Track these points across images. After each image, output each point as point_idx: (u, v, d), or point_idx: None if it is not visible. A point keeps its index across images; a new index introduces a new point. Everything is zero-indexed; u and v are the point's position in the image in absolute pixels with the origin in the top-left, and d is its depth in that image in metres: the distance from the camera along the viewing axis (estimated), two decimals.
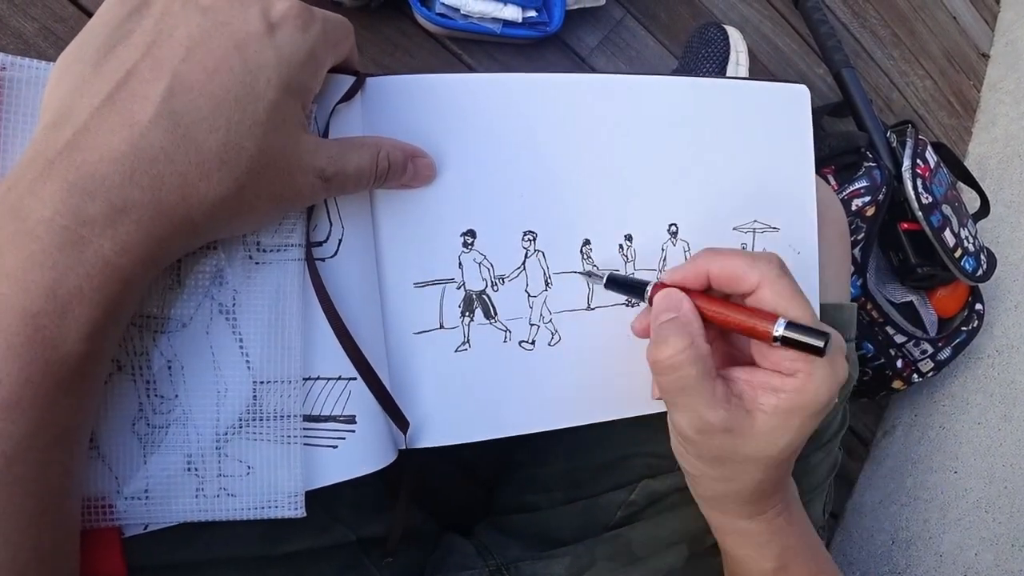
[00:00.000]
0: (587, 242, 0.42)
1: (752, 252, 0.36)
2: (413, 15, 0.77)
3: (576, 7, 0.85)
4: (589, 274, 0.42)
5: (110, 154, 0.25)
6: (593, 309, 0.42)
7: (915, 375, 1.01)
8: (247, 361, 0.33)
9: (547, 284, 0.41)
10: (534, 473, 0.57)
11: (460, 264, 0.39)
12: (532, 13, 0.79)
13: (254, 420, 0.34)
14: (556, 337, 0.41)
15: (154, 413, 0.32)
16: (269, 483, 0.34)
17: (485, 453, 0.68)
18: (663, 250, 0.43)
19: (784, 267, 0.35)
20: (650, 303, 0.38)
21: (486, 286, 0.40)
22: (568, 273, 0.41)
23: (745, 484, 0.37)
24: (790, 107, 0.46)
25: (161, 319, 0.32)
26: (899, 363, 0.99)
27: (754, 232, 0.45)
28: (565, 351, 0.42)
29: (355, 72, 0.34)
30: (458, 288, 0.39)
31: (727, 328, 0.36)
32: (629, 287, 0.40)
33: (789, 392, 0.34)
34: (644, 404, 0.43)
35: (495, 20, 0.77)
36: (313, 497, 0.34)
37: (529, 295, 0.41)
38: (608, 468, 0.52)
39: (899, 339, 0.97)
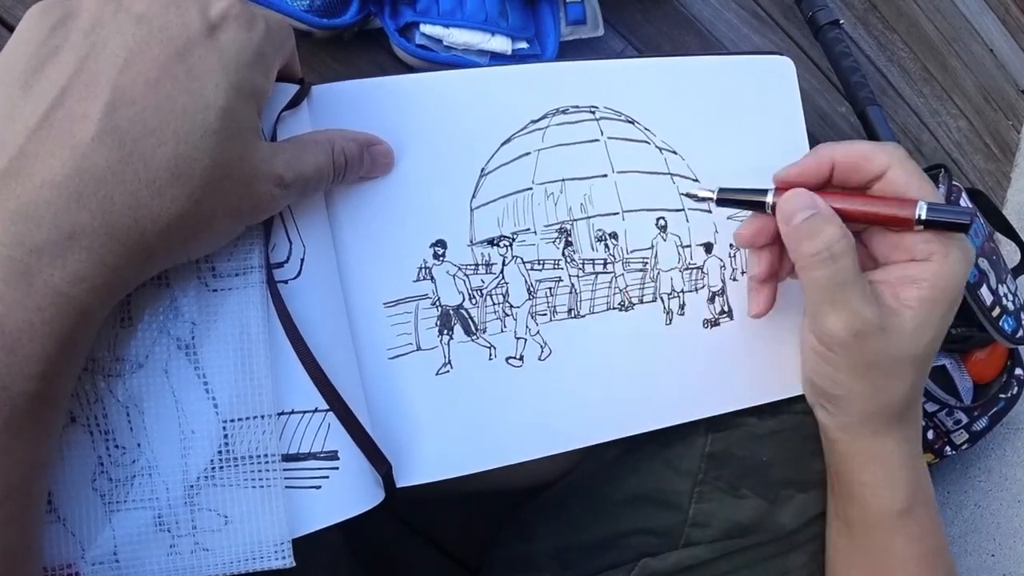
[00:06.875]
0: (569, 243, 0.40)
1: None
2: (391, 47, 0.71)
3: (571, 38, 0.79)
4: (693, 196, 0.39)
5: (52, 178, 0.24)
6: (582, 317, 0.40)
7: (948, 447, 0.93)
8: (213, 399, 0.31)
9: (530, 293, 0.39)
10: (521, 552, 0.53)
11: (432, 278, 0.37)
12: (523, 44, 0.73)
13: (227, 464, 0.31)
14: (546, 350, 0.39)
15: (115, 466, 0.30)
16: (250, 533, 0.31)
17: (468, 532, 0.63)
18: (653, 246, 0.41)
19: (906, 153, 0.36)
20: (772, 211, 0.37)
21: (463, 300, 0.38)
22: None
23: (895, 393, 0.37)
24: (775, 81, 0.44)
25: (113, 362, 0.29)
26: (930, 434, 0.91)
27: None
28: (557, 365, 0.39)
29: (299, 80, 0.33)
30: (432, 305, 0.37)
31: (865, 221, 0.35)
32: (745, 199, 0.38)
33: (929, 278, 0.35)
34: (649, 420, 0.41)
35: (481, 52, 0.71)
36: None
37: (511, 306, 0.38)
38: (602, 546, 0.47)
39: (930, 407, 0.89)
